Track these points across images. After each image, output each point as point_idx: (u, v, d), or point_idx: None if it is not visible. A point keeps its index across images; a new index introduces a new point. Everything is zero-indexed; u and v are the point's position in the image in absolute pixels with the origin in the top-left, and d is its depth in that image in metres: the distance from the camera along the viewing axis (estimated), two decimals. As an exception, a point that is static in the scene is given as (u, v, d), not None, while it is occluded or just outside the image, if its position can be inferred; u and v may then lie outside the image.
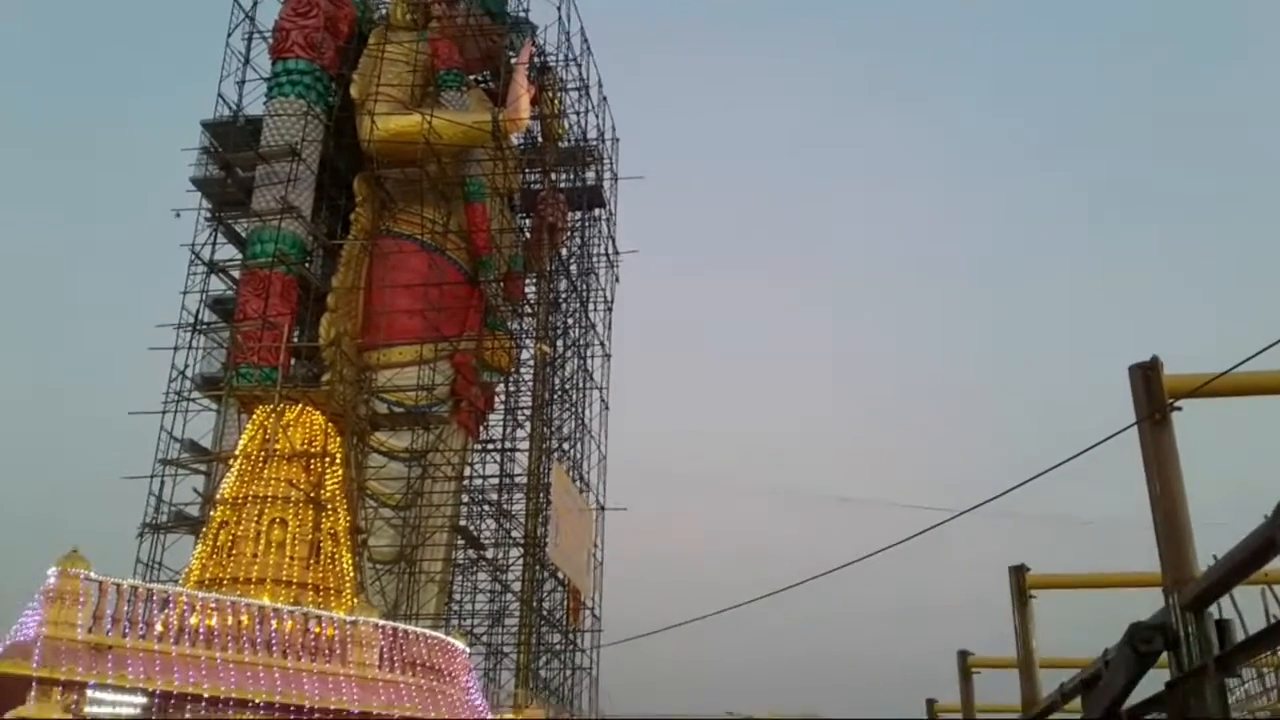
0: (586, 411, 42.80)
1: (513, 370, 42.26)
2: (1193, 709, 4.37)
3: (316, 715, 19.26)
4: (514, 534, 40.62)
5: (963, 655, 9.74)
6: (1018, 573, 7.46)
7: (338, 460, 25.42)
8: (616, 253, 45.83)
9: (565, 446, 41.88)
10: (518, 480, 41.14)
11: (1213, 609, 4.31)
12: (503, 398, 42.86)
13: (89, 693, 17.04)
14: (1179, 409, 4.94)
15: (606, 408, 43.72)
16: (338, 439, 25.96)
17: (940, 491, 20.39)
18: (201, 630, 18.83)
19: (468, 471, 40.24)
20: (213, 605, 19.47)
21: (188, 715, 18.75)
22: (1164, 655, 4.61)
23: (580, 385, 42.92)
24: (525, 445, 41.72)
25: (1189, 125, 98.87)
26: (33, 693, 16.39)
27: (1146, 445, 4.95)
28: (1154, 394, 4.97)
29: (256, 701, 18.52)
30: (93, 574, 17.84)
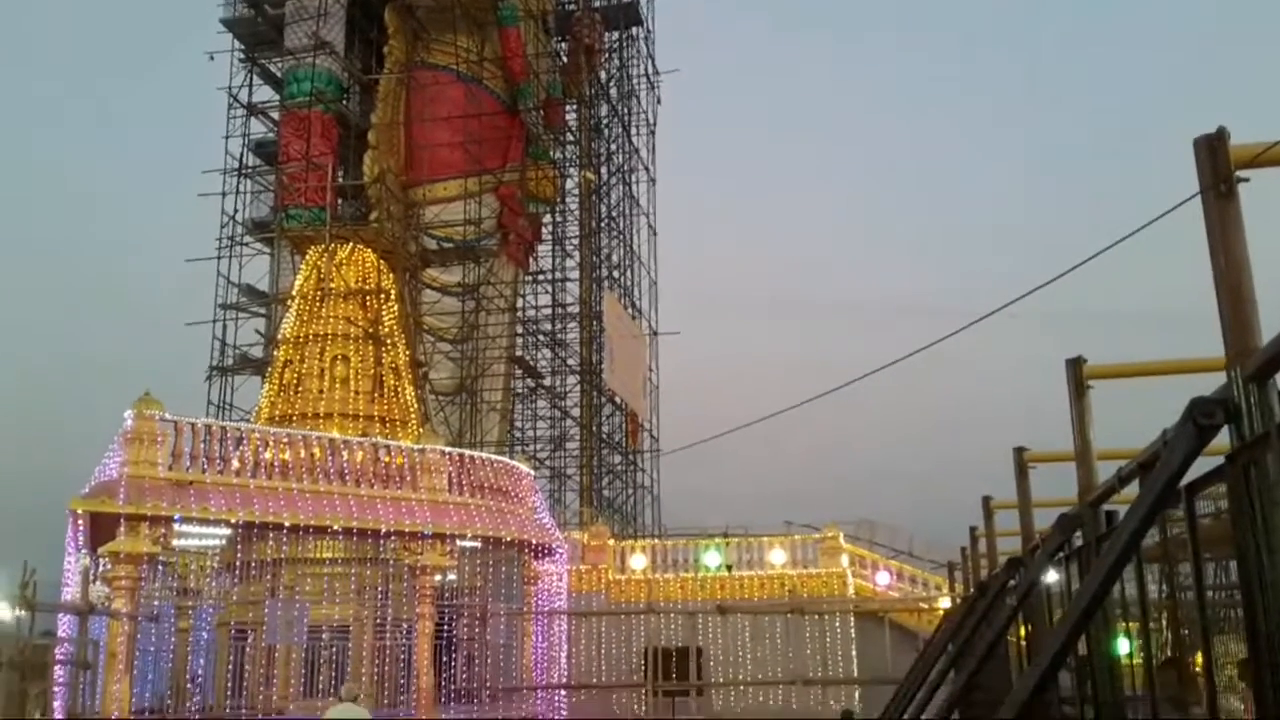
0: (635, 238, 42.69)
1: (558, 200, 42.01)
2: (1253, 478, 4.39)
3: (392, 538, 20.15)
4: (570, 362, 41.29)
5: (1018, 451, 9.83)
6: (1075, 364, 7.43)
7: (392, 296, 25.70)
8: (657, 73, 44.62)
9: (615, 274, 41.96)
10: (570, 309, 41.53)
11: (1276, 380, 4.28)
12: (550, 228, 42.79)
13: (175, 526, 17.93)
14: (1245, 180, 4.80)
15: (654, 233, 43.54)
16: (390, 275, 26.18)
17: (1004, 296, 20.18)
18: (276, 464, 19.55)
19: (520, 303, 40.60)
20: (285, 440, 20.15)
21: (271, 543, 19.73)
22: (1226, 437, 4.63)
23: (627, 212, 42.65)
24: (575, 275, 41.91)
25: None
26: (122, 528, 17.27)
27: (1211, 218, 4.83)
28: (1219, 165, 4.81)
29: (334, 527, 19.36)
30: (167, 415, 18.47)
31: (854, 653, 24.57)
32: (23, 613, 14.31)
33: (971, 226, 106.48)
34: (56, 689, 15.02)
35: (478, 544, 21.52)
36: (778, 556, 27.47)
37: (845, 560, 27.40)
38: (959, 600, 17.40)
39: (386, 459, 20.89)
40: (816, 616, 22.85)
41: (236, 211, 32.45)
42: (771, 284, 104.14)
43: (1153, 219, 5.82)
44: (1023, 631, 10.69)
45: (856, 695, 23.66)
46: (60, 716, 15.03)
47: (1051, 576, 8.61)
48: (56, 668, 14.99)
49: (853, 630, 24.69)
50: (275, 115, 33.75)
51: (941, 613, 20.51)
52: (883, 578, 27.92)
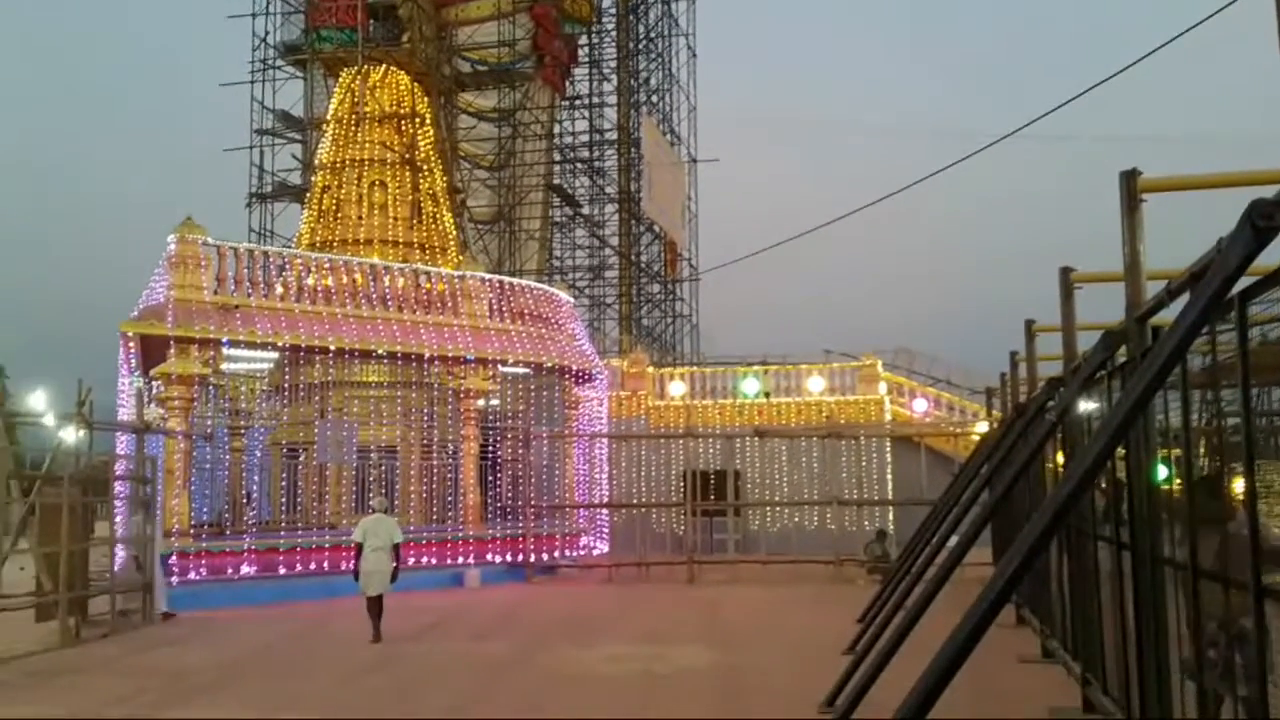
0: (674, 61, 41.46)
1: (594, 20, 40.68)
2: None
3: (435, 363, 20.46)
4: (608, 190, 40.86)
5: (1064, 272, 9.62)
6: (1128, 177, 7.17)
7: (428, 121, 25.33)
8: (696, -117, 42.37)
9: (653, 99, 40.98)
10: (607, 136, 40.79)
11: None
12: (586, 50, 41.62)
13: (224, 349, 18.27)
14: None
15: (694, 56, 42.24)
16: (425, 99, 25.72)
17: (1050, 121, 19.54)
18: (320, 289, 19.73)
19: (557, 129, 39.91)
20: (327, 265, 20.28)
21: (317, 366, 20.12)
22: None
23: (666, 33, 41.29)
24: (613, 99, 40.99)
25: None
26: (171, 350, 17.64)
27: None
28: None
29: (379, 352, 19.68)
30: (209, 239, 18.57)
31: (889, 476, 25.00)
32: (82, 431, 14.81)
33: (1019, 49, 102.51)
34: (118, 504, 15.66)
35: (519, 369, 21.83)
36: (816, 383, 27.67)
37: (883, 387, 27.56)
38: (996, 425, 17.52)
39: (427, 285, 21.02)
40: (853, 441, 23.15)
41: (267, 34, 31.78)
42: (813, 107, 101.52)
43: (1209, 15, 5.50)
44: (1059, 457, 10.73)
45: (890, 516, 24.20)
46: (122, 530, 15.73)
47: (1093, 404, 8.57)
48: (117, 483, 15.59)
49: (889, 455, 25.05)
50: (302, -69, 32.60)
51: (978, 437, 20.71)
52: (920, 404, 28.12)
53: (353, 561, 13.36)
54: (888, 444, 25.18)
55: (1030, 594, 12.71)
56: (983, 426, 21.97)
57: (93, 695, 9.81)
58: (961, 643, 4.42)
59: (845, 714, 6.75)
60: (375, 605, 13.13)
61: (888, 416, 26.71)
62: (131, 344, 18.85)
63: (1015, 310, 13.16)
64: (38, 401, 36.64)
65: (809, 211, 37.58)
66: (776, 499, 24.66)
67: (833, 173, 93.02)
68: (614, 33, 41.48)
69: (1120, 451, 6.62)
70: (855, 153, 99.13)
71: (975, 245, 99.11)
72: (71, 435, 15.23)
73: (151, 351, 18.54)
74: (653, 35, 40.97)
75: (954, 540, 9.47)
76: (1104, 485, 7.98)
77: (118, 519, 16.03)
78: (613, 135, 40.48)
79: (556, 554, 21.62)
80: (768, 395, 27.96)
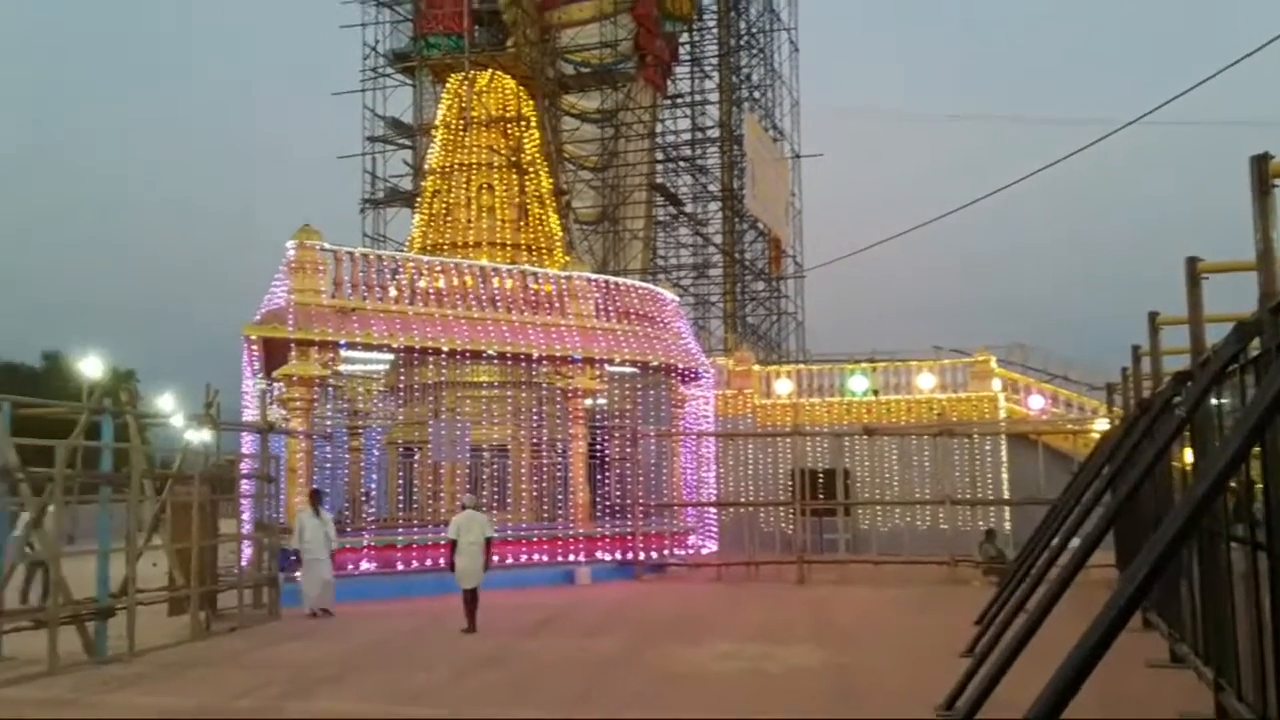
0: (775, 56, 41.15)
1: (695, 18, 40.64)
2: None
3: (543, 362, 20.72)
4: (710, 188, 40.77)
5: (1190, 262, 9.26)
6: (1260, 161, 6.87)
7: (533, 124, 25.65)
8: (797, -127, 41.97)
9: (755, 95, 40.74)
10: (710, 133, 40.71)
11: None
12: (687, 48, 41.60)
13: (341, 351, 18.82)
14: None
15: (796, 50, 41.86)
16: (530, 102, 26.05)
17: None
18: (431, 292, 20.17)
19: (659, 128, 39.98)
20: (438, 268, 20.71)
21: (430, 367, 20.56)
22: None
23: (768, 28, 41.01)
24: (714, 97, 40.89)
25: None
26: (292, 352, 18.24)
27: None
28: None
29: (489, 352, 20.02)
30: (326, 244, 19.14)
31: (1004, 475, 24.42)
32: (210, 431, 15.43)
33: (1140, 33, 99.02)
34: (243, 501, 16.26)
35: (626, 368, 21.95)
36: (926, 381, 27.19)
37: (997, 384, 26.94)
38: (1118, 421, 16.95)
39: (535, 286, 21.30)
40: (966, 439, 22.66)
41: (378, 42, 32.59)
42: (919, 98, 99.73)
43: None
44: (1187, 454, 10.32)
45: (1006, 515, 23.64)
46: (248, 525, 16.34)
47: (1224, 400, 8.23)
48: (242, 481, 16.19)
49: (1004, 453, 24.47)
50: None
51: (1098, 435, 20.07)
52: (1036, 401, 27.40)
53: (448, 557, 14.25)
54: (1003, 442, 24.59)
55: (1158, 597, 12.27)
56: (1103, 424, 21.29)
57: (222, 688, 10.20)
58: (1091, 648, 4.30)
59: (966, 718, 6.62)
60: (470, 598, 13.77)
61: (1002, 414, 26.09)
62: (254, 347, 19.55)
63: (1136, 303, 12.72)
64: (165, 404, 38.28)
65: (915, 205, 36.96)
66: (887, 498, 24.32)
67: (937, 165, 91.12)
68: (715, 30, 41.38)
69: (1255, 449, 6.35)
70: (960, 144, 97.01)
71: (1092, 237, 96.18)
72: (200, 436, 15.88)
73: (273, 354, 19.20)
74: (754, 30, 40.74)
75: (1075, 542, 9.20)
76: (1234, 483, 7.66)
77: (244, 514, 16.63)
78: (715, 133, 40.38)
79: (665, 552, 21.69)
80: (876, 393, 27.57)
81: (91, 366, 41.53)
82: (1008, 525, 23.37)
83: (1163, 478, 11.12)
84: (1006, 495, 23.82)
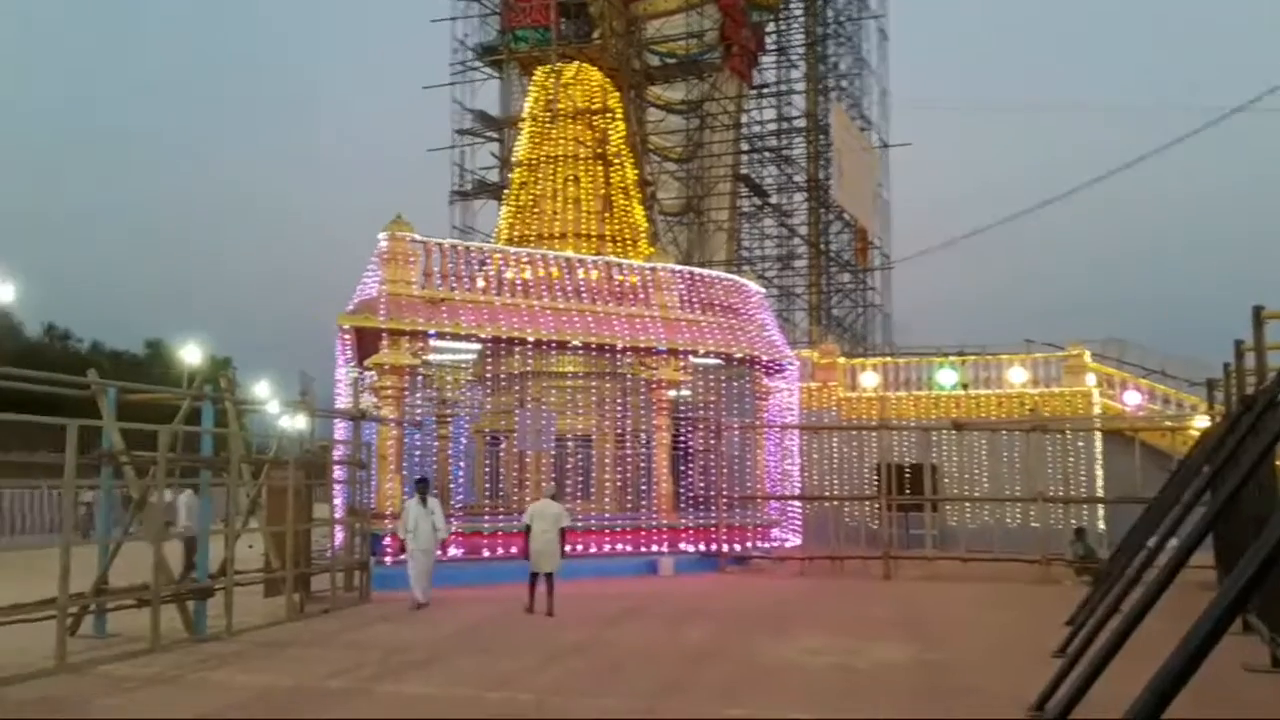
0: (864, 44, 40.63)
1: (782, 6, 40.33)
2: None
3: (628, 353, 20.81)
4: (796, 178, 40.45)
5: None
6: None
7: (618, 115, 25.71)
8: None
9: (843, 84, 40.29)
10: (795, 123, 40.39)
11: None
12: (774, 38, 41.29)
13: (430, 341, 19.15)
14: None
15: (885, 38, 41.25)
16: (615, 94, 26.12)
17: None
18: (518, 282, 20.40)
19: (744, 119, 39.79)
20: (525, 259, 20.93)
21: (516, 357, 20.80)
22: None
23: (856, 16, 40.51)
24: (801, 86, 40.54)
25: None
26: (384, 341, 18.61)
27: None
28: None
29: (574, 343, 20.17)
30: (417, 236, 19.48)
31: (1099, 472, 23.82)
32: (304, 418, 15.83)
33: (1246, 16, 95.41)
34: (336, 486, 16.66)
35: (710, 360, 21.93)
36: (1017, 375, 26.66)
37: (1091, 379, 26.29)
38: (1219, 418, 16.41)
39: (620, 277, 21.39)
40: (1059, 435, 22.14)
41: (466, 37, 33.02)
42: (1008, 87, 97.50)
43: None
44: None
45: (1100, 513, 23.07)
46: (341, 510, 16.73)
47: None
48: (335, 468, 16.58)
49: (1098, 450, 23.87)
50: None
51: (1198, 432, 19.46)
52: (1132, 397, 26.66)
53: (524, 545, 14.82)
54: (1097, 438, 23.99)
55: (1259, 600, 11.87)
56: (1202, 421, 20.64)
57: (316, 667, 10.48)
58: (1193, 651, 4.20)
59: (1059, 719, 6.50)
60: (542, 582, 14.35)
61: (1096, 410, 25.45)
62: (347, 336, 19.99)
63: (1238, 297, 12.31)
64: (261, 390, 39.32)
65: (1006, 196, 36.21)
66: (976, 494, 23.88)
67: (1029, 155, 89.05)
68: (802, 19, 41.03)
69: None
70: (1053, 135, 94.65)
71: (1192, 229, 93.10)
72: (294, 422, 16.30)
73: (365, 343, 19.61)
74: (842, 19, 40.28)
75: (1173, 542, 8.95)
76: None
77: (336, 500, 17.02)
78: (801, 123, 40.07)
79: (748, 545, 21.64)
80: (965, 387, 27.12)
81: (191, 354, 42.94)
82: (1101, 524, 22.80)
83: (1267, 477, 10.76)
84: (1101, 493, 23.24)
